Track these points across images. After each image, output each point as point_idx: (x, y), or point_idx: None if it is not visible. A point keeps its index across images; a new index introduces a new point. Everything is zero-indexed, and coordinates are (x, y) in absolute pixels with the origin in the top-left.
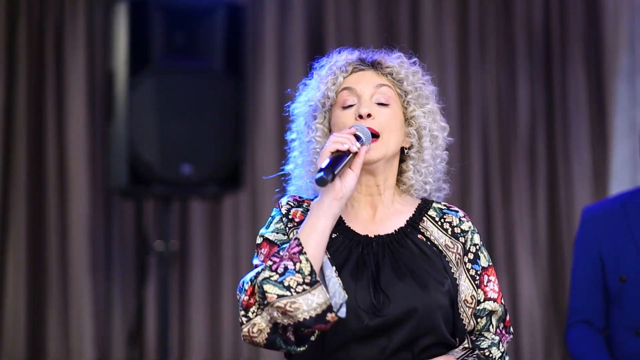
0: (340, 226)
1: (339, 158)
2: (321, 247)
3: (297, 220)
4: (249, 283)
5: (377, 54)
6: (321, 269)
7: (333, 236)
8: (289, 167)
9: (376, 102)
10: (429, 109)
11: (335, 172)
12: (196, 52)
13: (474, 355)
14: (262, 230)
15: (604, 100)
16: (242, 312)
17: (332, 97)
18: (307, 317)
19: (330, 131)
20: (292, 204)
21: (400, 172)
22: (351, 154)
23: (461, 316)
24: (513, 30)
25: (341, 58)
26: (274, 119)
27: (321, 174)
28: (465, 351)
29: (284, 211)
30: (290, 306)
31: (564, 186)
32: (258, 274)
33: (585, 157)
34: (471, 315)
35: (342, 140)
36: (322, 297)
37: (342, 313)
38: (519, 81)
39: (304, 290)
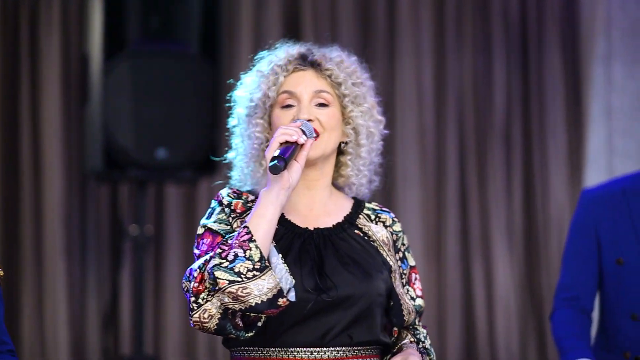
0: (280, 218)
1: (287, 149)
2: (269, 235)
3: (238, 210)
4: (198, 270)
5: (317, 51)
6: (268, 257)
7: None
8: (231, 155)
9: (315, 104)
10: (366, 107)
11: (287, 161)
12: (172, 36)
13: (422, 348)
14: (204, 221)
15: (580, 86)
16: (193, 299)
17: (273, 97)
18: (259, 302)
19: (270, 127)
20: (232, 195)
21: (338, 165)
22: (298, 146)
23: (402, 307)
24: (489, 15)
25: (282, 54)
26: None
27: (274, 162)
28: (413, 343)
29: (225, 202)
30: (241, 291)
31: (539, 171)
32: (207, 261)
33: (560, 142)
34: (406, 308)
35: (290, 132)
36: (272, 282)
37: (292, 297)
38: (495, 66)
39: (254, 276)
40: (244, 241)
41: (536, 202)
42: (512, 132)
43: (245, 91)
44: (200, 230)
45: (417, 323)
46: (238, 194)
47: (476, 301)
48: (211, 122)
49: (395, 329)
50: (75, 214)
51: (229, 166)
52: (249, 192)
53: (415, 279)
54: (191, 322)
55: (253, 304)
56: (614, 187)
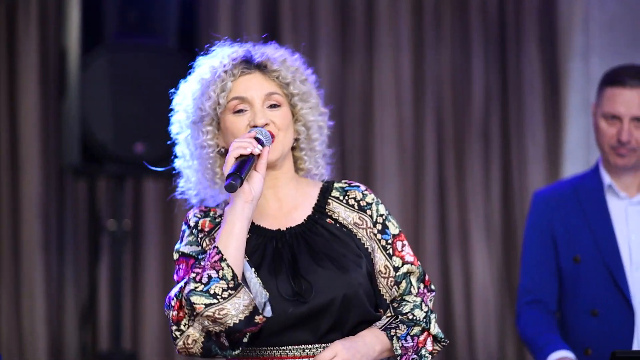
0: (250, 226)
1: (244, 162)
2: (240, 251)
3: (206, 229)
4: (175, 299)
5: (259, 52)
6: (242, 272)
7: (247, 236)
8: (179, 164)
9: (267, 106)
10: (313, 103)
11: (243, 177)
12: (150, 30)
13: (397, 322)
14: (177, 246)
15: (558, 81)
16: (174, 327)
17: (223, 103)
18: (237, 322)
19: (219, 132)
20: (199, 215)
21: (295, 161)
22: (254, 157)
23: (379, 287)
24: (468, 10)
25: (225, 59)
26: None
27: (229, 180)
28: (388, 319)
29: (192, 224)
30: (218, 313)
31: (517, 166)
32: (182, 287)
33: (539, 137)
34: (388, 284)
35: (244, 145)
36: (247, 299)
37: (268, 312)
38: (473, 61)
39: (229, 295)
40: (215, 262)
41: (514, 196)
42: (491, 127)
43: (189, 98)
44: (175, 256)
45: (411, 290)
46: (205, 212)
47: (454, 295)
48: None
49: (381, 309)
50: (53, 208)
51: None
52: (216, 207)
53: (403, 245)
54: (176, 349)
55: (231, 324)
56: (564, 186)
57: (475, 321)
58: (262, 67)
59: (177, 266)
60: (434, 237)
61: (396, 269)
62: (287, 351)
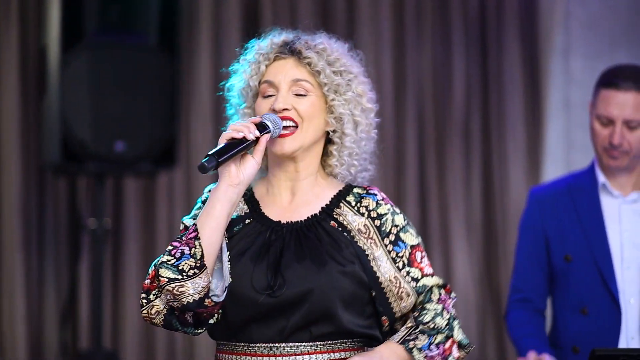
0: (256, 212)
1: (232, 146)
2: (217, 232)
3: None
4: (153, 267)
5: (301, 39)
6: (221, 253)
7: (247, 222)
8: None
9: (294, 93)
10: (350, 96)
11: (220, 160)
12: (130, 28)
13: (417, 332)
14: (184, 218)
15: (539, 79)
16: (143, 295)
17: (255, 86)
18: (191, 301)
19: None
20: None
21: (326, 154)
22: (248, 142)
23: (387, 296)
24: (449, 7)
25: (266, 42)
26: (209, 95)
27: (204, 160)
28: (407, 330)
29: (203, 198)
30: (177, 290)
31: (498, 164)
32: (160, 258)
33: (519, 135)
34: (397, 294)
35: (239, 128)
36: (206, 281)
37: (219, 298)
38: (454, 59)
39: (194, 274)
40: (190, 239)
41: (495, 194)
42: (471, 125)
43: (234, 80)
44: (181, 226)
45: (432, 298)
46: None
47: None
48: (170, 114)
49: (385, 317)
50: (33, 207)
51: (191, 158)
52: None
53: (422, 257)
54: (142, 316)
55: (185, 302)
56: (560, 184)
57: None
58: (296, 53)
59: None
60: None
61: (416, 280)
62: (256, 348)
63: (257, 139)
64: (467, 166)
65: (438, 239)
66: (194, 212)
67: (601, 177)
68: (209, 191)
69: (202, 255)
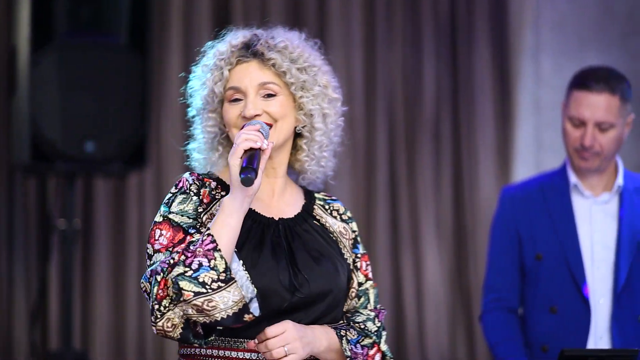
0: None
1: (254, 156)
2: (232, 244)
3: (205, 201)
4: (162, 275)
5: (260, 39)
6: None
7: None
8: (192, 146)
9: (262, 95)
10: (317, 90)
11: (257, 170)
12: (100, 28)
13: (349, 327)
14: (163, 209)
15: (509, 80)
16: (157, 306)
17: (220, 92)
18: (225, 317)
19: (222, 120)
20: (198, 182)
21: (295, 148)
22: (260, 151)
23: (349, 296)
24: (419, 9)
25: (225, 45)
26: (180, 95)
27: (245, 174)
28: (340, 324)
29: (194, 189)
30: (207, 304)
31: (468, 165)
32: (170, 266)
33: (489, 136)
34: (349, 295)
35: (254, 138)
36: (237, 295)
37: (255, 310)
38: (424, 59)
39: (219, 287)
40: (208, 250)
41: (465, 195)
42: (442, 126)
43: (196, 84)
44: (158, 219)
45: (367, 306)
46: (201, 181)
47: (405, 294)
48: (140, 114)
49: None
50: (2, 207)
51: (162, 159)
52: (207, 176)
53: (367, 265)
54: (154, 329)
55: (219, 318)
56: (532, 184)
57: (426, 320)
58: (259, 55)
59: (158, 230)
60: (385, 236)
61: (359, 284)
62: None
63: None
64: (437, 167)
65: (408, 239)
66: (178, 206)
67: (573, 178)
68: (194, 181)
69: (227, 268)
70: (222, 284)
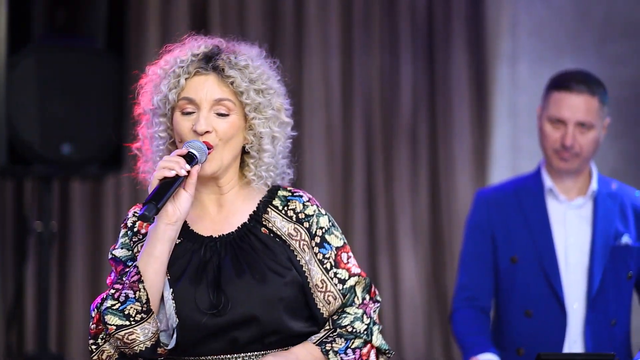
0: (184, 231)
1: (167, 186)
2: (160, 273)
3: (142, 232)
4: (95, 310)
5: (222, 53)
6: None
7: (177, 242)
8: (136, 145)
9: (215, 112)
10: (270, 114)
11: (159, 206)
12: (78, 31)
13: (334, 335)
14: (112, 247)
15: (486, 84)
16: (91, 341)
17: (173, 99)
18: (143, 348)
19: (172, 126)
20: (137, 215)
21: (242, 165)
22: (181, 178)
23: (315, 301)
24: (396, 14)
25: (186, 53)
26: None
27: (143, 210)
28: (325, 332)
29: (129, 224)
30: (127, 337)
31: (444, 170)
32: (102, 300)
33: (466, 142)
34: (325, 299)
35: (169, 166)
36: (155, 327)
37: (172, 343)
38: (401, 64)
39: (142, 319)
40: (133, 282)
41: (441, 200)
42: (418, 131)
43: (150, 85)
44: (109, 255)
45: (355, 301)
46: None
47: (382, 297)
48: (117, 117)
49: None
50: None
51: (134, 160)
52: None
53: (348, 257)
54: None
55: (137, 350)
56: (507, 187)
57: (403, 324)
58: (218, 70)
59: (110, 265)
60: (362, 240)
61: (343, 281)
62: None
63: (188, 172)
64: (414, 171)
65: (385, 243)
66: (120, 241)
67: (548, 182)
68: (133, 215)
69: (148, 300)
70: (144, 315)
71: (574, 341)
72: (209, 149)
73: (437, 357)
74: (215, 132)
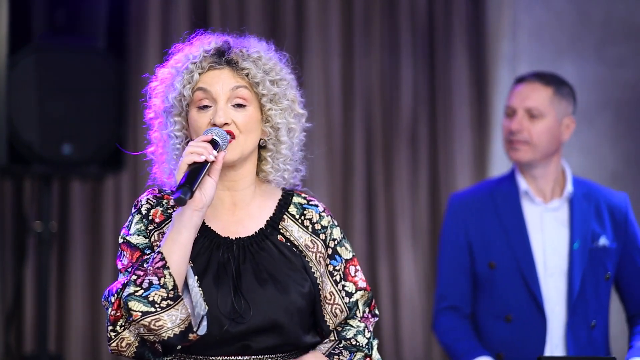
0: (202, 227)
1: (197, 170)
2: (184, 260)
3: (157, 220)
4: (115, 296)
5: (233, 47)
6: (186, 279)
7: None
8: (150, 149)
9: (232, 104)
10: (286, 104)
11: (194, 189)
12: (78, 30)
13: (341, 347)
14: (124, 231)
15: (486, 87)
16: (110, 327)
17: (188, 95)
18: (172, 335)
19: (188, 124)
20: (151, 202)
21: (260, 159)
22: (208, 163)
23: (323, 313)
24: (397, 15)
25: (198, 49)
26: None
27: (179, 193)
28: (332, 343)
29: (143, 211)
30: (154, 324)
31: (444, 172)
32: (123, 286)
33: (466, 143)
34: (332, 311)
35: (198, 151)
36: (184, 313)
37: (202, 329)
38: (402, 66)
39: (168, 305)
40: (158, 268)
41: (441, 201)
42: (419, 132)
43: (161, 86)
44: (120, 240)
45: (357, 314)
46: (158, 200)
47: (381, 299)
48: (117, 117)
49: (319, 330)
50: None
51: (138, 163)
52: (168, 193)
53: (356, 271)
54: (109, 349)
55: (166, 337)
56: (481, 190)
57: (402, 325)
58: (232, 63)
59: (121, 251)
60: (362, 241)
61: (350, 294)
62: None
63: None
64: (414, 173)
65: (385, 245)
66: (134, 227)
67: (523, 184)
68: (147, 202)
69: (175, 286)
70: (171, 302)
71: (555, 345)
72: (231, 137)
73: (435, 357)
74: (234, 125)
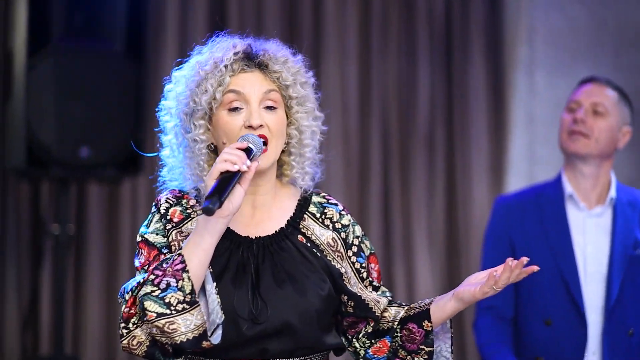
0: None
1: (228, 180)
2: (204, 265)
3: (175, 220)
4: (130, 293)
5: (262, 50)
6: (203, 283)
7: None
8: (165, 153)
9: (264, 106)
10: (309, 107)
11: (223, 199)
12: (97, 33)
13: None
14: (142, 229)
15: (503, 92)
16: (123, 324)
17: (219, 98)
18: (184, 340)
19: (211, 127)
20: (171, 201)
21: (280, 164)
22: (240, 173)
23: (365, 302)
24: (415, 20)
25: (226, 53)
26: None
27: (207, 203)
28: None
29: (162, 210)
30: (168, 327)
31: (461, 176)
32: (139, 285)
33: (483, 148)
34: (374, 299)
35: (233, 160)
36: (199, 320)
37: (217, 338)
38: (419, 71)
39: (183, 309)
40: (177, 270)
41: (458, 207)
42: (435, 137)
43: (183, 87)
44: (138, 238)
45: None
46: (178, 199)
47: None
48: (135, 120)
49: (370, 318)
50: None
51: (155, 165)
52: (188, 193)
53: (376, 265)
54: (121, 345)
55: (178, 341)
56: (528, 194)
57: None
58: (262, 66)
59: (139, 249)
60: (378, 245)
61: (376, 288)
62: None
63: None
64: (430, 179)
65: (401, 250)
66: (153, 226)
67: (568, 187)
68: (166, 201)
69: (192, 291)
70: (187, 306)
71: (593, 352)
72: (265, 143)
73: None
74: (267, 128)
